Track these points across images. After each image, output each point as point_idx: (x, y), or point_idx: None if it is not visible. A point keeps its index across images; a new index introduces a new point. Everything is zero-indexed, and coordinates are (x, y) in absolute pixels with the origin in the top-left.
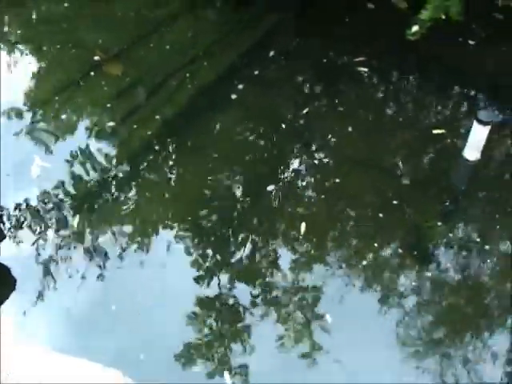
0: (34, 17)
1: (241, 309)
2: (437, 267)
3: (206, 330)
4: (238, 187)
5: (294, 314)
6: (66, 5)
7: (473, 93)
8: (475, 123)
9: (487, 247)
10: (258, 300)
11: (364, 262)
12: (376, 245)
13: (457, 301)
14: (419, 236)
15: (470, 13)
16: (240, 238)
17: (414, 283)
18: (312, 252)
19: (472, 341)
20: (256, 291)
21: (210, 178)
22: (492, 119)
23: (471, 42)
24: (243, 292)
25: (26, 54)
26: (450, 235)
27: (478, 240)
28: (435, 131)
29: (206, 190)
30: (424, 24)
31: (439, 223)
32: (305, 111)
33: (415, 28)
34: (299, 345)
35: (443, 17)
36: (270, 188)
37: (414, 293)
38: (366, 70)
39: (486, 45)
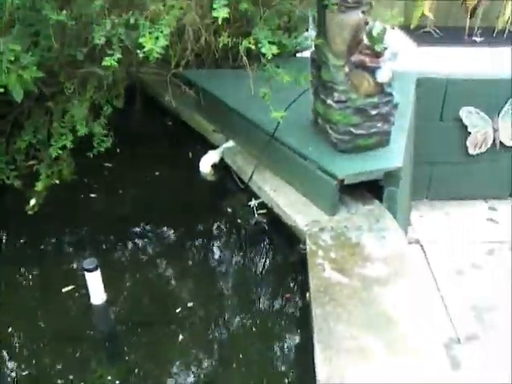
0: None
1: None
2: None
3: None
4: None
5: None
6: None
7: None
8: (85, 273)
9: None
10: None
11: None
12: None
13: None
14: None
15: (81, 171)
16: None
17: None
18: None
19: None
20: None
21: None
22: (96, 264)
23: (92, 195)
24: None
25: None
26: None
27: None
28: (65, 289)
29: None
30: (41, 194)
31: None
32: None
33: (33, 201)
34: None
35: (57, 182)
36: None
37: None
38: None
39: (103, 195)
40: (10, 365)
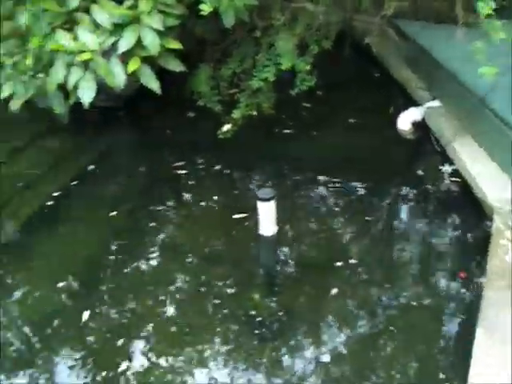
0: None
1: None
2: None
3: None
4: None
5: None
6: None
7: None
8: (258, 202)
9: None
10: None
11: None
12: None
13: None
14: None
15: (279, 106)
16: None
17: None
18: None
19: None
20: None
21: None
22: (272, 195)
23: (286, 131)
24: None
25: None
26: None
27: None
28: (236, 216)
29: None
30: (237, 122)
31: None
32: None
33: (226, 127)
34: None
35: (255, 113)
36: None
37: None
38: (184, 172)
39: (297, 133)
40: (179, 276)
